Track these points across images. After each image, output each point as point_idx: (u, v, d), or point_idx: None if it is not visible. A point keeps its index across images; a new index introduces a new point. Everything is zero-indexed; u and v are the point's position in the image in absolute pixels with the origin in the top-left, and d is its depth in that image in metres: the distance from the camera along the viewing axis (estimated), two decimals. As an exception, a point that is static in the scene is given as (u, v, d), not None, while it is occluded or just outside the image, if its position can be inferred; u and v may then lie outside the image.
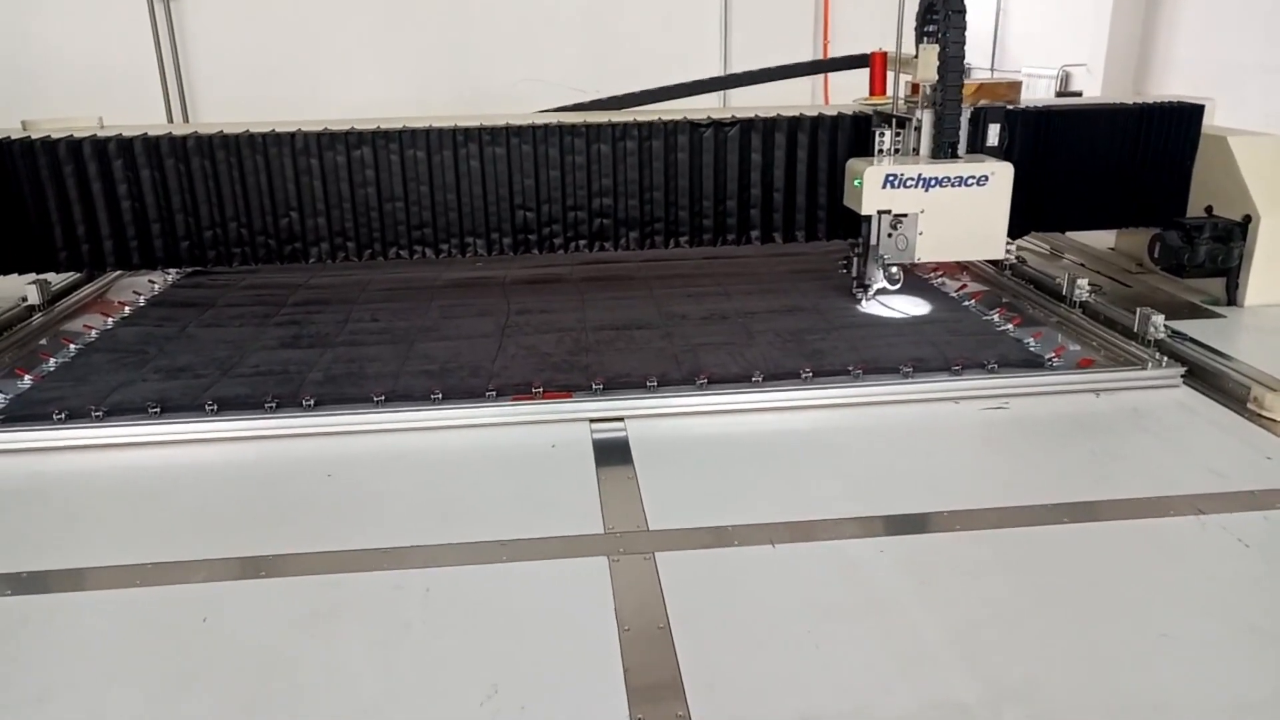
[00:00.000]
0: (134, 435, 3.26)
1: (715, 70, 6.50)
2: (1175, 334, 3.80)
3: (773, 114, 4.37)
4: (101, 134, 4.15)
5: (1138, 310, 3.84)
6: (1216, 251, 4.22)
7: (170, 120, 6.53)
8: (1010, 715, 1.95)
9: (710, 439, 3.25)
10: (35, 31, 6.35)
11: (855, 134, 4.38)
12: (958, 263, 5.17)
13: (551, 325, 4.21)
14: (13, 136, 4.10)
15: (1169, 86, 10.01)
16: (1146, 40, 10.84)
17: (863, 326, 4.13)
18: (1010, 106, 4.24)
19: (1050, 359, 3.70)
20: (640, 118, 4.33)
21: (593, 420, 3.32)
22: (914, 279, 4.87)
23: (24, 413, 3.41)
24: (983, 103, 4.17)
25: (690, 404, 3.42)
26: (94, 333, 4.26)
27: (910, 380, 3.54)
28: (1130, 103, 4.57)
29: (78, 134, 4.14)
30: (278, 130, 4.18)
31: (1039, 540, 2.61)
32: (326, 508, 2.84)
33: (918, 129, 4.07)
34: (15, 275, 4.32)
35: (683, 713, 1.98)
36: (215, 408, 3.38)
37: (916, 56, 3.99)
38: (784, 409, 3.41)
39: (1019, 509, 2.75)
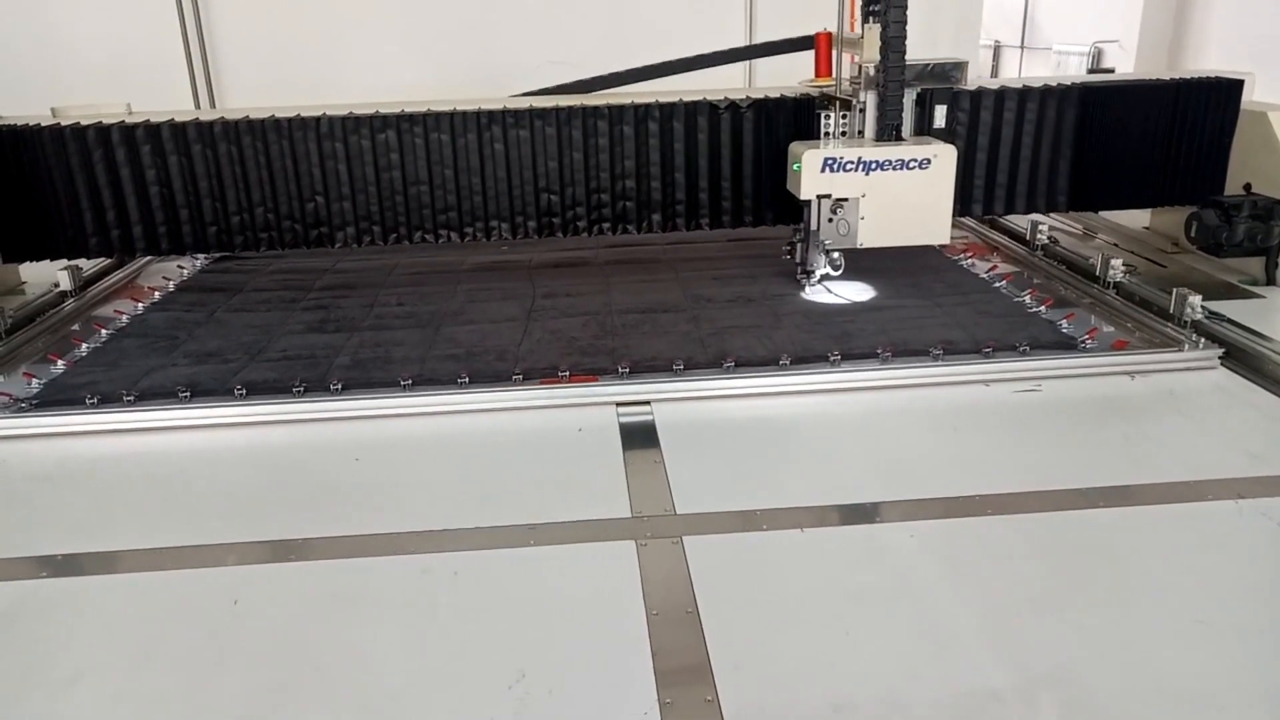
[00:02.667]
0: (165, 420, 3.29)
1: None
2: (1212, 315, 3.72)
3: (778, 95, 4.32)
4: (129, 120, 4.17)
5: (1174, 291, 3.76)
6: (1255, 230, 4.12)
7: (197, 106, 6.56)
8: (1044, 702, 1.93)
9: (737, 423, 3.23)
10: (62, 19, 6.38)
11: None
12: (987, 243, 5.10)
13: (577, 309, 4.20)
14: (42, 124, 4.13)
15: (1205, 61, 9.81)
16: (1181, 14, 10.61)
17: (891, 308, 4.08)
18: (957, 88, 4.12)
19: (1083, 341, 3.64)
20: (662, 99, 4.29)
21: (619, 404, 3.30)
22: (944, 260, 4.82)
23: (58, 397, 3.45)
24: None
25: (717, 387, 3.40)
26: (125, 318, 4.30)
27: (940, 363, 3.50)
28: (1167, 78, 4.46)
29: (106, 120, 4.16)
30: (303, 115, 4.18)
31: (1072, 525, 2.57)
32: (354, 492, 2.86)
33: (862, 111, 3.98)
34: (48, 261, 4.37)
35: (711, 697, 1.97)
36: (244, 392, 3.40)
37: (862, 37, 3.89)
38: (812, 392, 3.38)
39: (1051, 493, 2.71)
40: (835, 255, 4.11)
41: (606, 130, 4.27)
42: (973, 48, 7.62)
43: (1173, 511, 2.62)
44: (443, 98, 4.36)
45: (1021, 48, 13.55)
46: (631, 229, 4.44)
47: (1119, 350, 3.59)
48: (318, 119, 4.17)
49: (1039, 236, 4.81)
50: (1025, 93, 4.28)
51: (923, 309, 4.07)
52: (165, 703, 2.04)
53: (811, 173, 3.86)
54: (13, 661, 2.17)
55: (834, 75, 4.18)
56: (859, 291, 4.29)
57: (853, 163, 3.84)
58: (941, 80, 4.05)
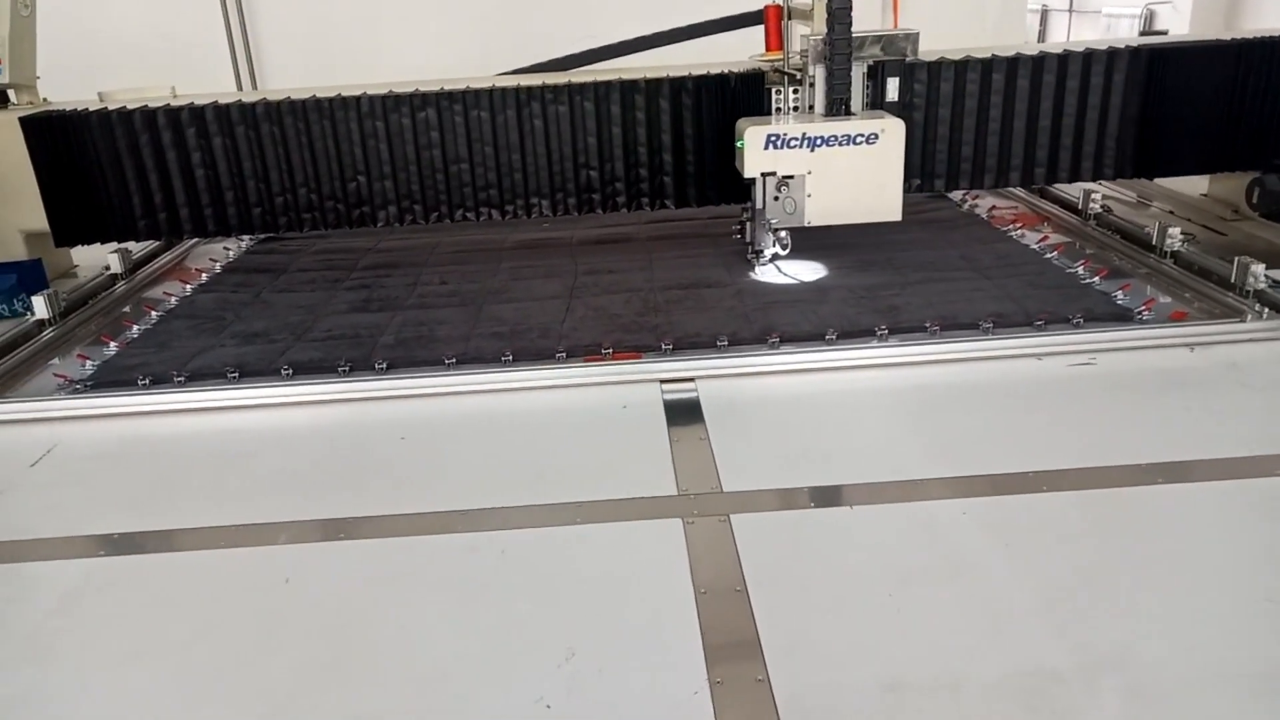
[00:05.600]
0: (214, 400, 3.33)
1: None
2: (1276, 284, 3.59)
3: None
4: (175, 103, 4.21)
5: (1235, 259, 3.63)
6: (1322, 195, 3.97)
7: (239, 88, 6.61)
8: (1106, 684, 1.88)
9: (783, 399, 3.19)
10: (107, 3, 6.46)
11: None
12: (1037, 213, 4.98)
13: (620, 285, 4.17)
14: (90, 109, 4.18)
15: (1264, 20, 9.43)
16: (1239, -28, 10.20)
17: (940, 281, 3.99)
18: (909, 60, 3.95)
19: (1140, 312, 3.54)
20: (694, 71, 4.23)
21: (663, 381, 3.28)
22: (993, 232, 4.71)
23: (111, 379, 3.51)
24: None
25: (762, 364, 3.36)
26: (174, 300, 4.36)
27: (991, 336, 3.42)
28: (1227, 39, 4.29)
29: (152, 104, 4.20)
30: (343, 94, 4.18)
31: (1131, 501, 2.50)
32: (401, 470, 2.87)
33: (813, 86, 3.85)
34: (98, 245, 4.44)
35: (761, 676, 1.95)
36: (290, 372, 3.43)
37: (812, 8, 3.76)
38: (859, 368, 3.33)
39: (1109, 469, 2.64)
40: (783, 234, 3.99)
41: (644, 104, 4.22)
42: (1021, 11, 7.42)
43: (1236, 487, 2.54)
44: (470, 75, 4.33)
45: (1070, 11, 13.16)
46: (670, 204, 4.39)
47: (1177, 321, 3.48)
48: (358, 98, 4.17)
49: (1092, 205, 4.69)
50: (991, 63, 4.09)
51: (972, 281, 3.98)
52: (221, 679, 2.07)
53: (755, 150, 3.74)
54: (75, 638, 2.22)
55: (783, 49, 4.05)
56: (810, 270, 4.19)
57: (797, 139, 3.71)
58: (893, 52, 3.90)
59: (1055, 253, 4.28)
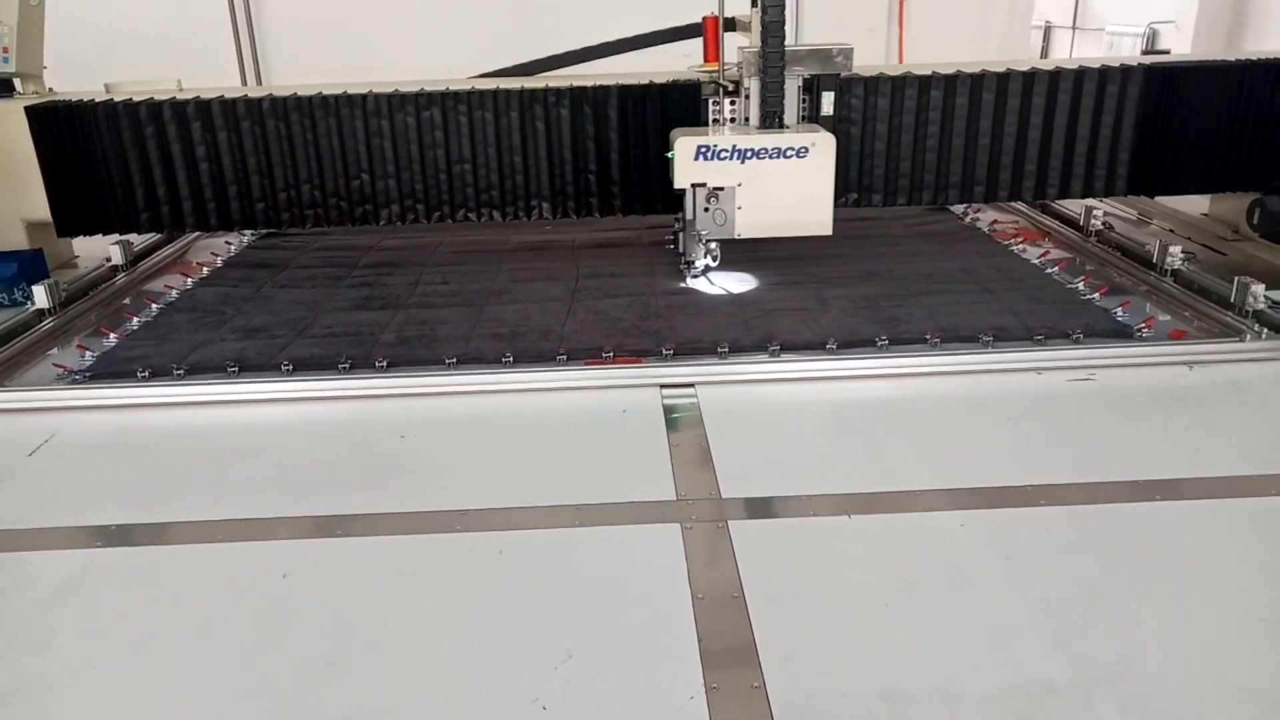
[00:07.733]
0: (214, 394, 3.33)
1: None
2: (1276, 304, 3.60)
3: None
4: (181, 96, 4.21)
5: (1235, 279, 3.64)
6: (1322, 217, 3.99)
7: (244, 83, 6.61)
8: (1101, 697, 1.88)
9: (783, 407, 3.20)
10: (115, -4, 6.47)
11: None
12: (1039, 228, 5.00)
13: (621, 289, 4.18)
14: (96, 100, 4.18)
15: (1267, 42, 9.49)
16: (1243, -7, 10.26)
17: (940, 293, 4.00)
18: (844, 74, 3.96)
19: (1140, 329, 3.55)
20: (683, 77, 4.23)
21: (663, 386, 3.28)
22: (994, 245, 4.73)
23: (110, 370, 3.51)
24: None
25: (762, 371, 3.37)
26: (174, 293, 4.36)
27: (991, 349, 3.43)
28: (1231, 59, 4.31)
29: (158, 96, 4.20)
30: (349, 92, 4.18)
31: (1129, 517, 2.51)
32: (400, 469, 2.87)
33: (749, 98, 3.84)
34: (100, 236, 4.43)
35: (758, 683, 1.95)
36: (290, 368, 3.43)
37: (750, 21, 3.75)
38: (859, 377, 3.34)
39: (1107, 484, 2.65)
40: (713, 245, 4.00)
41: (636, 110, 4.21)
42: (1025, 28, 7.45)
43: (1234, 506, 2.55)
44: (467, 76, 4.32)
45: (1073, 28, 13.22)
46: (661, 209, 4.40)
47: (1177, 339, 3.50)
48: (364, 96, 4.17)
49: (1093, 222, 4.70)
50: (930, 80, 4.10)
51: (973, 294, 3.99)
52: (216, 674, 2.06)
53: (685, 160, 3.72)
54: (70, 630, 2.21)
55: (719, 60, 4.02)
56: (739, 282, 4.19)
57: (727, 151, 3.70)
58: (828, 66, 3.90)
59: (1056, 268, 4.29)
